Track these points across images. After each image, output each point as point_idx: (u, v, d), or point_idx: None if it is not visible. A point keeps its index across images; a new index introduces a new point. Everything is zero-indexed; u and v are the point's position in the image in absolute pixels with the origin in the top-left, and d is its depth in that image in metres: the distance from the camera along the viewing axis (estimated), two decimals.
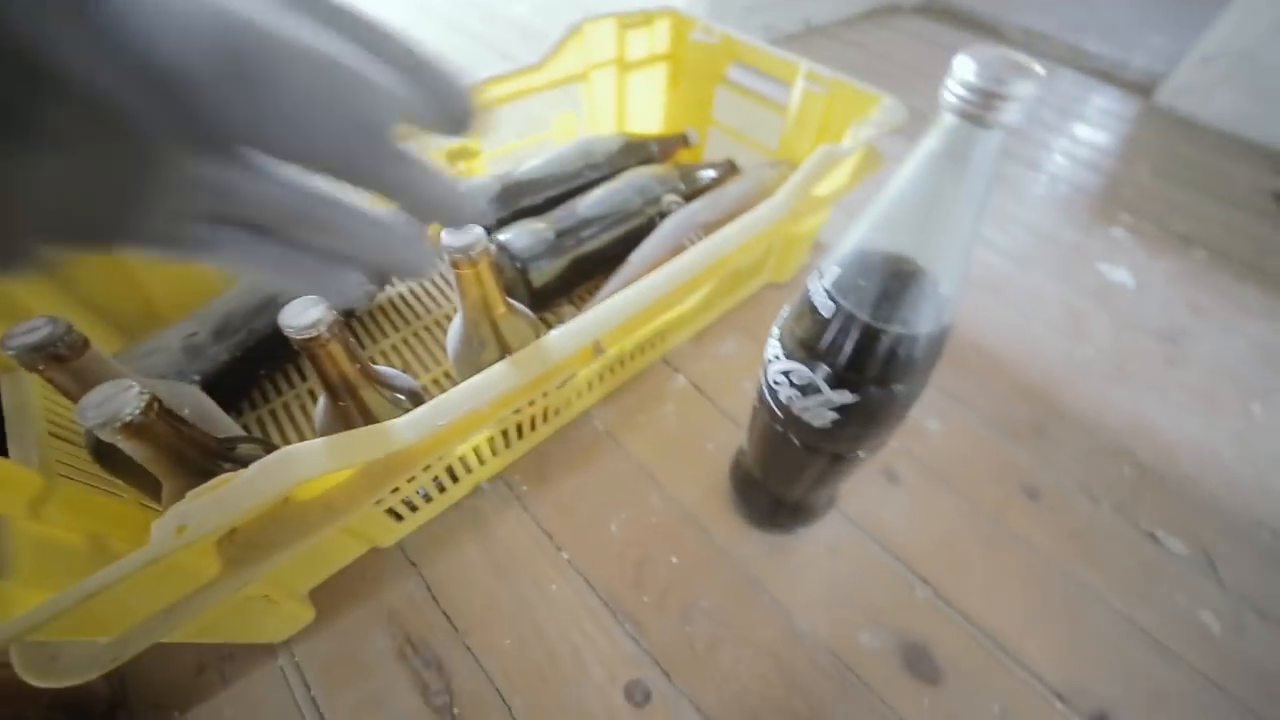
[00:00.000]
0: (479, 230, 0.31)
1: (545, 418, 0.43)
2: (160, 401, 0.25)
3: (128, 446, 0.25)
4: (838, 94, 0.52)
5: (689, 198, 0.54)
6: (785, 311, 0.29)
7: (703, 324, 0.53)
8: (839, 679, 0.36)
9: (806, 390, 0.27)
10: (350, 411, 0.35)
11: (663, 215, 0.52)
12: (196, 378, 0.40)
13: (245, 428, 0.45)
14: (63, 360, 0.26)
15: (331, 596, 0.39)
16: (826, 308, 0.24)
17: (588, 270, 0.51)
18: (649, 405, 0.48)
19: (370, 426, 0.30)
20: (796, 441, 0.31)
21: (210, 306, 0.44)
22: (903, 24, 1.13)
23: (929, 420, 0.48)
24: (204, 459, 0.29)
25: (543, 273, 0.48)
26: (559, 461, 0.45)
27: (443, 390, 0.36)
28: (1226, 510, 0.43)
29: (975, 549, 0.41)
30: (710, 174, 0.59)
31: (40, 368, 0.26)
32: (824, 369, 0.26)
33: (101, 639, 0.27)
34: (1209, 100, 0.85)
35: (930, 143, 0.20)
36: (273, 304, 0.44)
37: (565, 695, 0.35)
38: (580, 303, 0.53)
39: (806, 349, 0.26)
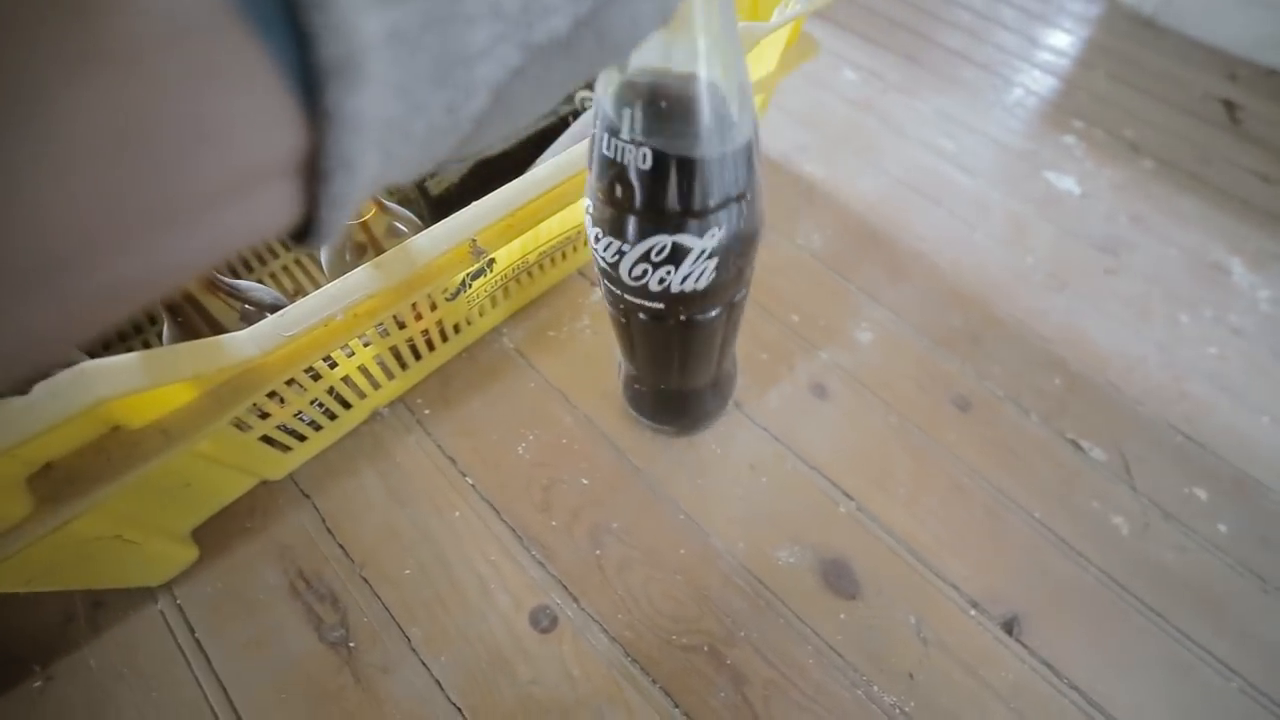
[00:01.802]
0: None
1: (444, 336, 0.39)
2: None
3: None
4: None
5: None
6: (591, 181, 0.24)
7: None
8: (754, 597, 0.35)
9: (636, 254, 0.24)
10: (194, 325, 0.30)
11: (577, 115, 0.46)
12: None
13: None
14: None
15: (218, 535, 0.36)
16: (629, 153, 0.21)
17: (493, 177, 0.45)
18: (562, 321, 0.44)
19: (201, 340, 0.25)
20: (645, 316, 0.28)
21: None
22: None
23: (860, 332, 0.46)
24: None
25: (440, 180, 0.43)
26: (465, 383, 0.41)
27: None
28: (1144, 416, 0.43)
29: (902, 463, 0.40)
30: None
31: None
32: (642, 220, 0.23)
33: None
34: (1171, 1, 0.81)
35: None
36: None
37: (467, 624, 0.33)
38: None
39: (623, 207, 0.23)
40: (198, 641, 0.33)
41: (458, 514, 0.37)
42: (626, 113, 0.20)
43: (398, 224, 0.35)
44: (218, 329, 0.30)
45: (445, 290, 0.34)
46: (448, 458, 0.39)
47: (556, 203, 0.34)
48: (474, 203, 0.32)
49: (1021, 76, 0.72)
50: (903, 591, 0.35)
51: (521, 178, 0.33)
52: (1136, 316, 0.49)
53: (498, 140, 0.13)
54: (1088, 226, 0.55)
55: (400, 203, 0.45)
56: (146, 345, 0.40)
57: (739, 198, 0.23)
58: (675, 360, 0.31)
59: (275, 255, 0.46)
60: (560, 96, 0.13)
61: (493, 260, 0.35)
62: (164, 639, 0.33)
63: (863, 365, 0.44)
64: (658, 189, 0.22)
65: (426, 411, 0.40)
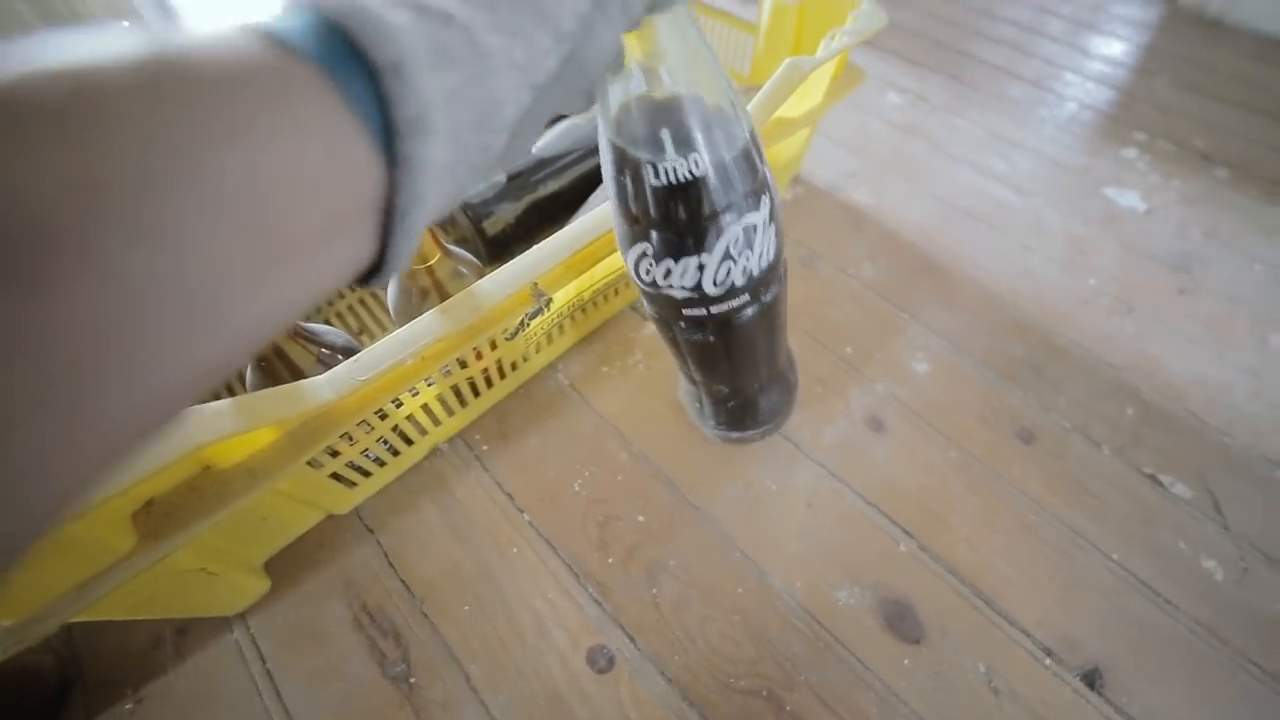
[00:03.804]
0: None
1: (502, 373, 0.40)
2: None
3: None
4: (811, 5, 0.46)
5: None
6: (638, 230, 0.26)
7: None
8: (813, 639, 0.34)
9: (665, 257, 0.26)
10: (276, 370, 0.32)
11: None
12: None
13: None
14: None
15: (288, 567, 0.38)
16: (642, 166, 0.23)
17: (548, 215, 0.47)
18: (616, 356, 0.45)
19: (283, 386, 0.27)
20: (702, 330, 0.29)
21: None
22: None
23: (917, 363, 0.44)
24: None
25: (495, 220, 0.44)
26: (521, 419, 0.42)
27: None
28: (1235, 450, 0.40)
29: (964, 499, 0.38)
30: None
31: None
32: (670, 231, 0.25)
33: (4, 621, 0.25)
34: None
35: None
36: None
37: (525, 662, 0.34)
38: None
39: (696, 219, 0.24)
40: (268, 672, 0.35)
41: (515, 550, 0.37)
42: (664, 135, 0.22)
43: (460, 267, 0.36)
44: (296, 373, 0.32)
45: (505, 330, 0.36)
46: (505, 494, 0.39)
47: (612, 243, 0.35)
48: (534, 246, 0.33)
49: (1073, 90, 0.69)
50: (970, 636, 0.34)
51: (578, 220, 0.34)
52: (1217, 340, 0.46)
53: (505, 169, 0.15)
54: (1156, 244, 0.53)
55: (458, 242, 0.47)
56: (231, 391, 0.42)
57: (763, 162, 0.26)
58: (749, 354, 0.32)
59: (341, 296, 0.48)
60: (546, 126, 0.16)
61: (550, 300, 0.36)
62: (239, 667, 0.35)
63: (920, 397, 0.43)
64: (717, 182, 0.23)
65: (485, 447, 0.41)
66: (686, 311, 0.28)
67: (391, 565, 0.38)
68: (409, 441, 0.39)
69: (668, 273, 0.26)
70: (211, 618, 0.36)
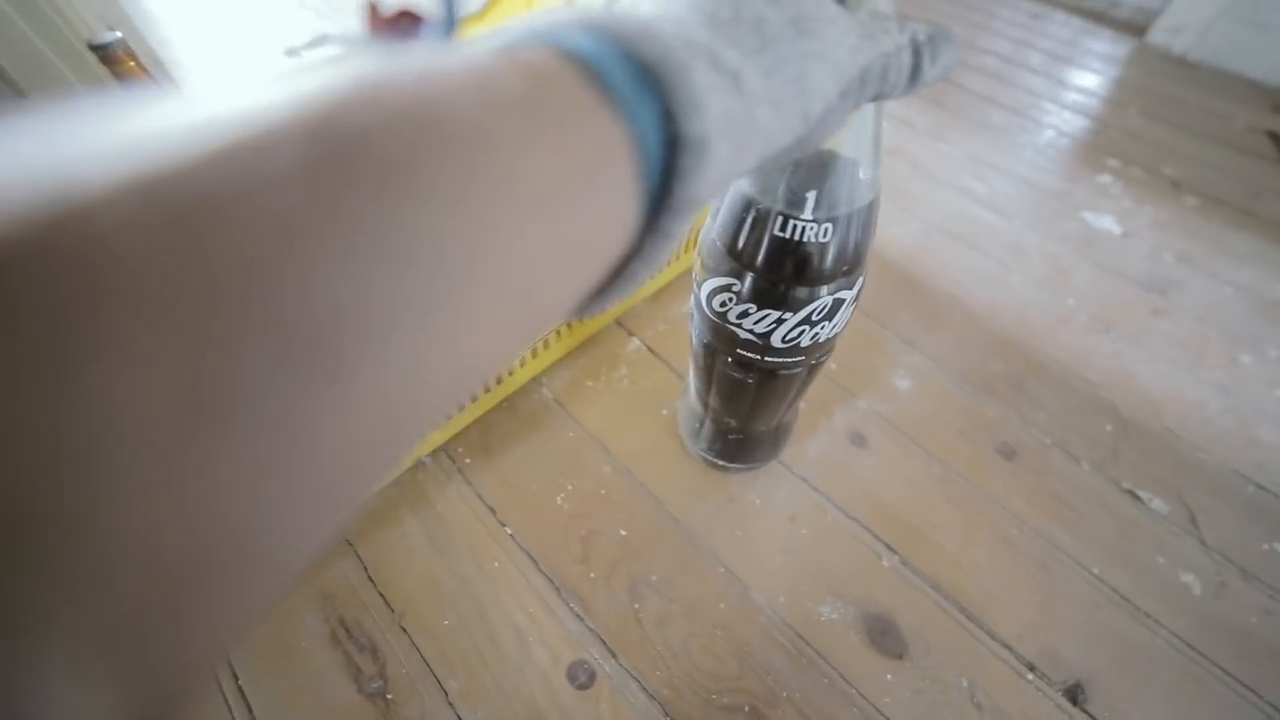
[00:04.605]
0: None
1: (486, 386, 0.40)
2: None
3: None
4: None
5: None
6: (737, 266, 0.26)
7: (661, 282, 0.50)
8: (796, 654, 0.33)
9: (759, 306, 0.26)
10: None
11: None
12: None
13: None
14: None
15: None
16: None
17: None
18: (601, 371, 0.45)
19: None
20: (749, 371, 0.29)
21: None
22: None
23: (899, 379, 0.45)
24: None
25: None
26: (505, 433, 0.42)
27: None
28: (1210, 466, 0.41)
29: (946, 514, 0.39)
30: None
31: None
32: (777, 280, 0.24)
33: None
34: (1205, 37, 0.80)
35: None
36: None
37: (505, 678, 0.33)
38: None
39: (793, 279, 0.24)
40: (240, 689, 0.34)
41: (496, 564, 0.37)
42: (810, 195, 0.22)
43: None
44: None
45: None
46: (487, 507, 0.39)
47: None
48: None
49: (1051, 118, 0.72)
50: (952, 651, 0.34)
51: None
52: (1191, 358, 0.47)
53: None
54: (1131, 266, 0.54)
55: None
56: None
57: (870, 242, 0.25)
58: (775, 403, 0.33)
59: None
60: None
61: None
62: (210, 685, 0.34)
63: (902, 413, 0.43)
64: (833, 253, 0.24)
65: (467, 460, 0.41)
66: (741, 352, 0.28)
67: (370, 579, 0.37)
68: None
69: (744, 314, 0.26)
70: None
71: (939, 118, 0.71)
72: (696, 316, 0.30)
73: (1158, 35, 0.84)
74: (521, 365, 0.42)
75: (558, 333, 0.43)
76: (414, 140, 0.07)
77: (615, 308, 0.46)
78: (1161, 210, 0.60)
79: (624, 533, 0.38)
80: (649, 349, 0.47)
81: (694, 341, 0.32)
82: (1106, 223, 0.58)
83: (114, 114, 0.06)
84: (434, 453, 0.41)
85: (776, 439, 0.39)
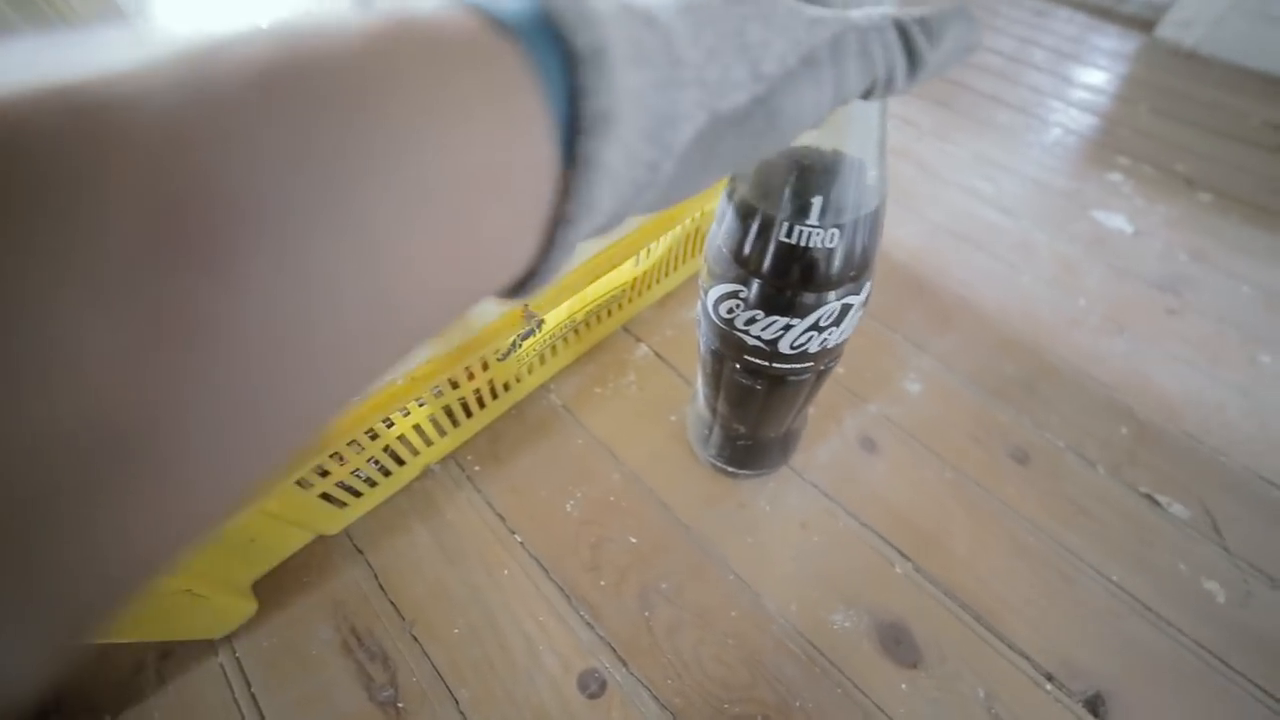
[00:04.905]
0: None
1: (494, 393, 0.40)
2: None
3: None
4: None
5: None
6: (741, 271, 0.26)
7: (668, 288, 0.50)
8: (809, 663, 0.33)
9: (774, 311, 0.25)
10: None
11: None
12: None
13: None
14: None
15: (277, 588, 0.37)
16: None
17: None
18: (609, 377, 0.45)
19: None
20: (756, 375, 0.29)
21: None
22: None
23: (909, 383, 0.45)
24: None
25: None
26: (513, 440, 0.42)
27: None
28: (1232, 470, 0.40)
29: (959, 519, 0.38)
30: None
31: None
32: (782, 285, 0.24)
33: None
34: (1215, 31, 0.79)
35: None
36: None
37: (515, 687, 0.33)
38: None
39: (800, 284, 0.24)
40: (253, 696, 0.34)
41: (506, 572, 0.37)
42: (815, 200, 0.22)
43: None
44: None
45: (497, 351, 0.36)
46: (497, 515, 0.39)
47: (604, 265, 0.35)
48: None
49: (1058, 116, 0.71)
50: (968, 660, 0.33)
51: None
52: (1208, 359, 0.46)
53: (661, 209, 0.14)
54: (1143, 265, 0.54)
55: None
56: None
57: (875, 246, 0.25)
58: (784, 408, 0.32)
59: None
60: (717, 177, 0.14)
61: (542, 321, 0.36)
62: (223, 693, 0.34)
63: (913, 417, 0.43)
64: (840, 258, 0.23)
65: (476, 468, 0.41)
66: (748, 358, 0.28)
67: (381, 587, 0.37)
68: (400, 462, 0.38)
69: (751, 320, 0.26)
70: (196, 641, 0.35)
71: (944, 117, 0.70)
72: (703, 323, 0.30)
73: (1167, 30, 0.83)
74: (530, 372, 0.42)
75: (565, 339, 0.43)
76: (355, 69, 0.08)
77: (615, 308, 0.46)
78: (1174, 208, 0.59)
79: (634, 540, 0.38)
80: (657, 355, 0.47)
81: (701, 348, 0.32)
82: (1118, 221, 0.58)
83: (70, 45, 0.07)
84: (443, 461, 0.42)
85: (786, 444, 0.39)
